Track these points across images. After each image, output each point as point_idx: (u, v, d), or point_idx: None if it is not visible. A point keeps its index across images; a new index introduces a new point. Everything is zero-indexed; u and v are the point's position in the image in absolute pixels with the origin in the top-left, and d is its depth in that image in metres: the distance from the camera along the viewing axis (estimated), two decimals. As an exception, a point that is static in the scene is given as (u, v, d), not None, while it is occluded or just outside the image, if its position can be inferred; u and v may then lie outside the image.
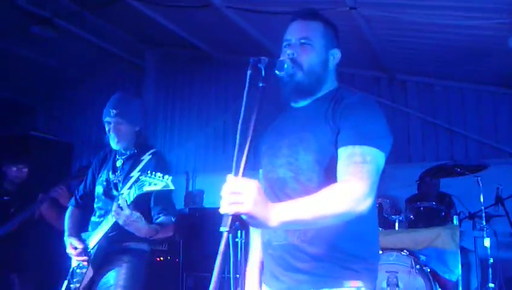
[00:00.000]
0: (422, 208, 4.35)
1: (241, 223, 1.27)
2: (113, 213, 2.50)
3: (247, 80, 1.43)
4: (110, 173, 2.89)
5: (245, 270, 1.30)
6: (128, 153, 2.89)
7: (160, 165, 2.63)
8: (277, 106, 1.79)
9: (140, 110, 2.95)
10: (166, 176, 2.40)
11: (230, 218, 1.25)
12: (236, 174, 1.33)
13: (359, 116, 1.65)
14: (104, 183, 2.87)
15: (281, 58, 1.71)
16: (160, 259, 4.68)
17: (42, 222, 4.25)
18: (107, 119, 2.83)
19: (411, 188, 5.23)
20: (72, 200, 3.11)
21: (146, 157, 2.63)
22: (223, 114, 7.38)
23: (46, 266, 3.70)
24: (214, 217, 5.62)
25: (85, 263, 2.78)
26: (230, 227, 1.23)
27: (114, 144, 2.84)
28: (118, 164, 2.90)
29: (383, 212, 4.21)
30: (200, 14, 5.54)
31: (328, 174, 1.65)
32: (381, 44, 5.39)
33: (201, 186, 6.88)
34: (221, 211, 1.28)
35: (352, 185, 1.50)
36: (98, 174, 2.96)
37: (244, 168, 1.32)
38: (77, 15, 6.12)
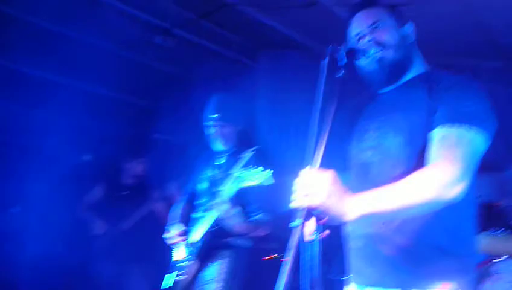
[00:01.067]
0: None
1: (317, 219, 1.24)
2: (214, 206, 2.60)
3: (324, 70, 1.40)
4: (213, 170, 3.00)
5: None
6: (230, 150, 2.97)
7: (261, 161, 2.68)
8: (361, 98, 1.72)
9: (241, 108, 3.02)
10: (267, 171, 2.43)
11: (303, 212, 1.23)
12: (312, 166, 1.31)
13: (458, 96, 1.54)
14: (207, 180, 3.00)
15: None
16: (270, 257, 4.73)
17: (155, 216, 4.57)
18: (208, 123, 2.93)
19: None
20: (183, 197, 3.29)
21: (248, 154, 2.69)
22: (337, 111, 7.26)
23: (160, 257, 3.98)
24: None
25: (187, 255, 2.90)
26: (304, 221, 1.21)
27: (218, 145, 2.94)
28: (220, 161, 3.00)
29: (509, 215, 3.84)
30: (308, 13, 5.53)
31: (419, 158, 1.55)
32: (503, 29, 4.93)
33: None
34: (293, 204, 1.27)
35: (441, 169, 1.38)
36: (203, 172, 3.10)
37: (321, 161, 1.29)
38: (193, 23, 6.46)
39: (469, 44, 5.42)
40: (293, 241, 1.21)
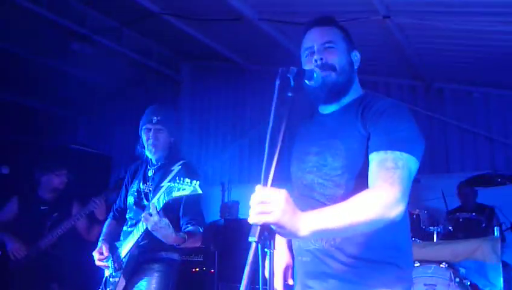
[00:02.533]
0: (461, 219, 4.25)
1: (270, 233, 1.27)
2: (142, 219, 2.55)
3: (276, 90, 1.43)
4: (141, 183, 2.96)
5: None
6: (159, 163, 2.95)
7: (189, 173, 2.66)
8: (304, 115, 1.78)
9: (177, 121, 3.02)
10: (194, 181, 2.44)
11: (258, 228, 1.25)
12: (265, 184, 1.33)
13: (390, 121, 1.64)
14: (135, 193, 2.94)
15: (308, 67, 1.71)
16: (195, 270, 4.71)
17: (77, 233, 4.35)
18: (147, 126, 2.90)
19: (450, 199, 5.10)
20: (111, 213, 3.19)
21: (176, 168, 2.67)
22: (258, 125, 7.41)
23: (83, 275, 3.79)
24: (249, 227, 5.67)
25: (114, 271, 2.83)
26: (259, 237, 1.23)
27: (151, 152, 2.90)
28: (149, 174, 2.96)
29: (421, 224, 4.11)
30: (233, 27, 5.60)
31: (357, 181, 1.65)
32: (417, 52, 5.31)
33: (237, 197, 6.92)
34: (250, 221, 1.28)
35: (383, 191, 1.48)
36: (130, 186, 3.03)
37: (274, 179, 1.31)
38: (115, 31, 6.31)
39: (384, 63, 5.78)
40: (250, 256, 1.22)
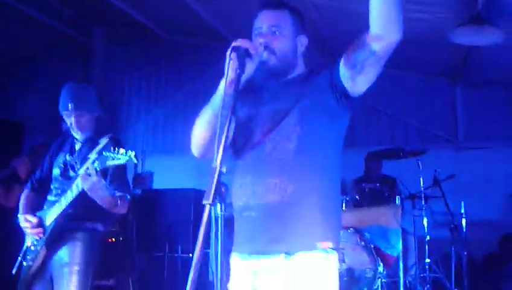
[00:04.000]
0: (367, 189, 4.62)
1: (221, 198, 1.37)
2: (80, 179, 2.54)
3: (227, 66, 1.52)
4: (68, 155, 2.93)
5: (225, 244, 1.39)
6: (86, 136, 2.93)
7: (118, 145, 2.68)
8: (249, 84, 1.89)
9: (95, 97, 2.99)
10: (130, 151, 2.47)
11: (212, 191, 1.35)
12: (216, 155, 1.42)
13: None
14: (61, 165, 2.91)
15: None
16: (112, 240, 4.68)
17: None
18: (65, 113, 2.87)
19: (356, 171, 5.49)
20: (28, 184, 3.09)
21: (103, 141, 2.68)
22: (173, 95, 7.37)
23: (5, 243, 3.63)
24: (165, 199, 5.71)
25: (40, 236, 2.79)
26: (213, 200, 1.33)
27: (77, 133, 2.88)
28: (76, 147, 2.94)
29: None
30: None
31: (308, 134, 1.80)
32: (330, 33, 5.57)
33: (151, 167, 6.87)
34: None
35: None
36: (56, 158, 2.98)
37: (224, 149, 1.41)
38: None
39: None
40: (204, 218, 1.31)
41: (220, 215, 1.35)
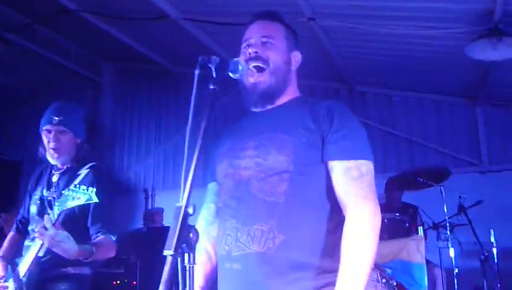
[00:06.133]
0: (386, 220, 4.28)
1: (188, 245, 1.11)
2: (36, 234, 2.26)
3: (195, 82, 1.29)
4: (45, 190, 2.63)
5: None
6: (64, 167, 2.65)
7: (97, 179, 2.42)
8: (233, 111, 1.65)
9: (83, 121, 2.73)
10: (91, 188, 2.21)
11: (175, 239, 1.09)
12: (183, 192, 1.18)
13: (345, 127, 1.62)
14: (38, 201, 2.61)
15: (237, 58, 1.59)
16: (117, 283, 4.43)
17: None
18: (46, 127, 2.58)
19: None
20: (14, 225, 2.84)
21: (83, 172, 2.41)
22: (183, 129, 7.20)
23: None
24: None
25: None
26: (176, 250, 1.08)
27: (52, 157, 2.59)
28: (54, 179, 2.64)
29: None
30: (156, 27, 5.39)
31: (302, 176, 1.58)
32: (341, 55, 5.37)
33: (161, 204, 6.66)
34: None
35: (362, 216, 1.53)
36: (33, 193, 2.71)
37: (192, 185, 1.16)
38: (27, 28, 5.87)
39: (307, 64, 5.78)
40: (165, 273, 1.06)
41: (188, 268, 1.09)
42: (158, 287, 1.36)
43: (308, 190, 1.59)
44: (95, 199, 2.19)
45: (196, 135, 1.22)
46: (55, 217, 2.26)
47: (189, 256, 1.10)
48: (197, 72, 1.34)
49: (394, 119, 6.22)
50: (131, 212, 6.78)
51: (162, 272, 1.06)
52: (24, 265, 2.45)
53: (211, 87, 1.35)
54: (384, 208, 5.00)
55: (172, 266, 1.07)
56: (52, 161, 2.60)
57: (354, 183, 1.56)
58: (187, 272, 1.09)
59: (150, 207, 6.83)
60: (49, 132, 2.56)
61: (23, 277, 2.46)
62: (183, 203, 1.15)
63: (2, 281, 2.51)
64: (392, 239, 4.07)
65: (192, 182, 1.16)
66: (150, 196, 7.01)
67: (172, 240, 1.09)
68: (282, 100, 1.73)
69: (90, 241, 2.44)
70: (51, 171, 2.66)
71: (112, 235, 2.50)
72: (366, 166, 1.59)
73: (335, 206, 1.60)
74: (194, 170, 1.18)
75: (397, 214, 4.35)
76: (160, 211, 6.28)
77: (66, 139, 2.58)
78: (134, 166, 7.45)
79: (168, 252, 1.07)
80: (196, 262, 1.11)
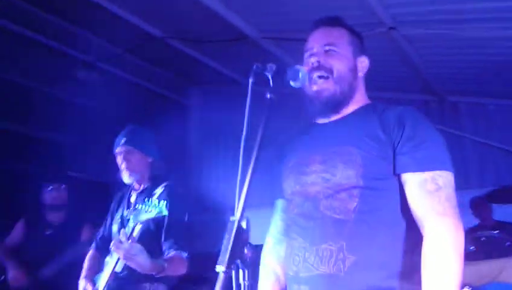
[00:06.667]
0: (483, 238, 3.97)
1: (243, 262, 1.07)
2: (112, 247, 2.35)
3: (249, 91, 1.26)
4: (125, 209, 2.78)
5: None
6: (141, 187, 2.77)
7: (170, 196, 2.48)
8: (295, 121, 1.59)
9: (153, 140, 2.85)
10: (162, 202, 2.27)
11: (228, 254, 1.05)
12: (237, 205, 1.14)
13: (418, 135, 1.52)
14: (119, 220, 2.77)
15: (297, 66, 1.54)
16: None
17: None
18: (117, 150, 2.74)
19: (471, 216, 4.80)
20: (93, 243, 3.00)
21: (158, 191, 2.50)
22: (269, 147, 7.21)
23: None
24: (259, 254, 5.43)
25: None
26: (228, 266, 1.03)
27: (126, 176, 2.72)
28: (132, 199, 2.78)
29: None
30: (236, 48, 5.49)
31: (373, 191, 1.49)
32: (426, 64, 5.11)
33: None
34: None
35: (441, 236, 1.40)
36: (116, 213, 2.86)
37: (246, 198, 1.12)
38: (119, 57, 6.24)
39: (392, 77, 5.58)
40: (216, 289, 1.02)
41: (243, 286, 1.04)
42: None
43: (381, 206, 1.49)
44: (165, 212, 2.25)
45: (250, 148, 1.18)
46: (130, 230, 2.33)
47: (243, 273, 1.05)
48: (251, 80, 1.30)
49: (490, 129, 5.78)
50: (218, 231, 6.88)
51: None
52: (103, 280, 2.57)
53: (268, 96, 1.31)
54: (479, 226, 4.64)
55: (224, 283, 1.03)
56: (127, 180, 2.74)
57: (430, 197, 1.43)
58: (242, 290, 1.04)
59: (236, 226, 6.88)
60: (119, 153, 2.72)
61: None
62: (236, 217, 1.11)
63: None
64: (490, 260, 3.75)
65: (246, 195, 1.12)
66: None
67: (225, 255, 1.05)
68: (349, 109, 1.65)
69: (163, 257, 2.50)
70: (130, 192, 2.80)
71: (183, 252, 2.54)
72: (444, 178, 1.46)
73: (411, 223, 1.47)
74: (249, 182, 1.13)
75: (496, 231, 4.01)
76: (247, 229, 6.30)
77: (135, 159, 2.73)
78: (222, 186, 7.57)
79: (220, 268, 1.03)
80: (258, 279, 1.06)
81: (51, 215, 4.25)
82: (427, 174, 1.45)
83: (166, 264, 2.45)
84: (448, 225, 1.40)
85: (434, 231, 1.40)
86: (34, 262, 4.03)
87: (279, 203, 1.80)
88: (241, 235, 1.10)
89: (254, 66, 1.36)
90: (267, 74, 1.35)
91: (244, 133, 1.20)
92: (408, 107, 1.60)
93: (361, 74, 1.69)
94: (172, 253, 2.53)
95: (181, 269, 2.58)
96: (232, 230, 1.09)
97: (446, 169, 1.49)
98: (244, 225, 1.11)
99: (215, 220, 7.18)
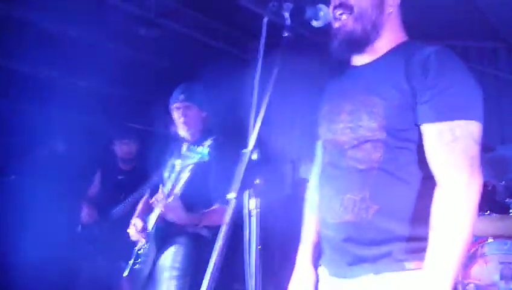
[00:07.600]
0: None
1: (255, 191, 1.14)
2: (154, 201, 2.54)
3: (264, 30, 1.28)
4: (175, 158, 2.96)
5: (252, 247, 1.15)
6: (192, 139, 2.93)
7: (216, 147, 2.60)
8: (332, 64, 1.60)
9: (207, 94, 2.98)
10: (206, 149, 2.37)
11: (238, 183, 1.12)
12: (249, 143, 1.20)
13: (440, 80, 1.44)
14: (169, 169, 2.96)
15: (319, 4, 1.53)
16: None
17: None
18: (175, 105, 2.89)
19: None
20: (148, 189, 3.24)
21: (207, 143, 2.62)
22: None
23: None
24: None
25: (141, 241, 2.85)
26: (239, 193, 1.11)
27: (184, 130, 2.88)
28: (183, 150, 2.95)
29: (496, 196, 3.73)
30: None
31: (396, 143, 1.48)
32: (494, 10, 4.80)
33: (307, 175, 6.76)
34: None
35: (454, 191, 1.35)
36: (166, 162, 3.06)
37: (259, 132, 1.17)
38: (177, 12, 6.34)
39: (458, 24, 5.29)
40: (227, 214, 1.10)
41: (253, 212, 1.12)
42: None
43: (404, 157, 1.49)
44: (206, 158, 2.36)
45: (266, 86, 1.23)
46: (171, 186, 2.49)
47: (256, 200, 1.13)
48: (265, 19, 1.32)
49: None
50: (278, 182, 7.01)
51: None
52: (152, 220, 2.80)
53: (285, 34, 1.33)
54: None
55: (236, 209, 1.11)
56: (184, 134, 2.90)
57: (445, 149, 1.38)
58: (252, 217, 1.12)
59: (294, 179, 6.99)
60: (178, 109, 2.89)
61: (152, 229, 2.81)
62: (248, 149, 1.17)
63: (143, 235, 2.87)
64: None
65: (259, 129, 1.18)
66: (296, 167, 7.16)
67: (236, 184, 1.13)
68: (381, 49, 1.62)
69: (203, 211, 2.65)
70: (181, 144, 2.99)
71: (223, 201, 2.68)
72: (463, 128, 1.39)
73: (430, 175, 1.46)
74: (263, 117, 1.19)
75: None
76: (305, 182, 6.39)
77: (192, 114, 2.89)
78: (281, 137, 7.63)
79: (230, 195, 1.11)
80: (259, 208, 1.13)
81: (122, 164, 4.60)
82: (445, 125, 1.40)
83: (202, 217, 2.61)
84: (459, 180, 1.34)
85: (444, 185, 1.37)
86: (106, 206, 4.38)
87: (319, 146, 1.87)
88: (253, 166, 1.16)
89: (270, 4, 1.37)
90: (283, 12, 1.36)
91: (258, 71, 1.24)
92: (438, 48, 1.53)
93: (391, 9, 1.63)
94: (216, 206, 2.68)
95: (219, 221, 2.72)
96: (244, 161, 1.16)
97: (468, 118, 1.41)
98: (254, 156, 1.17)
99: (273, 170, 7.32)
